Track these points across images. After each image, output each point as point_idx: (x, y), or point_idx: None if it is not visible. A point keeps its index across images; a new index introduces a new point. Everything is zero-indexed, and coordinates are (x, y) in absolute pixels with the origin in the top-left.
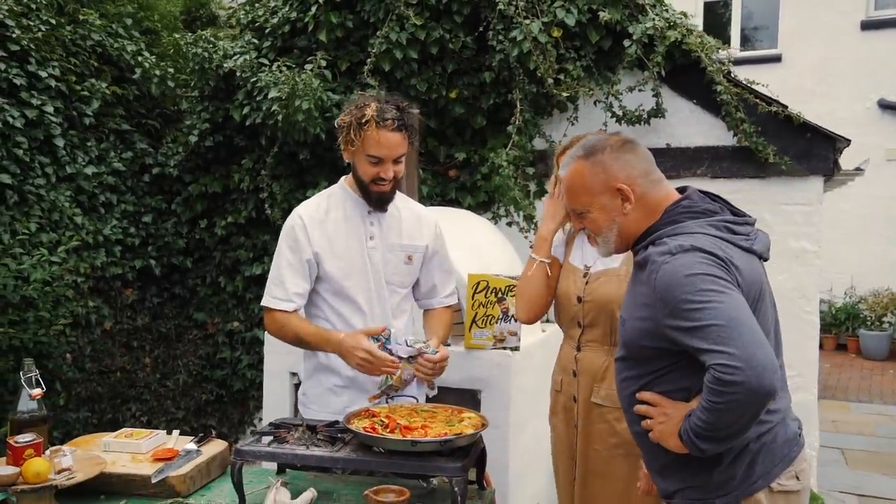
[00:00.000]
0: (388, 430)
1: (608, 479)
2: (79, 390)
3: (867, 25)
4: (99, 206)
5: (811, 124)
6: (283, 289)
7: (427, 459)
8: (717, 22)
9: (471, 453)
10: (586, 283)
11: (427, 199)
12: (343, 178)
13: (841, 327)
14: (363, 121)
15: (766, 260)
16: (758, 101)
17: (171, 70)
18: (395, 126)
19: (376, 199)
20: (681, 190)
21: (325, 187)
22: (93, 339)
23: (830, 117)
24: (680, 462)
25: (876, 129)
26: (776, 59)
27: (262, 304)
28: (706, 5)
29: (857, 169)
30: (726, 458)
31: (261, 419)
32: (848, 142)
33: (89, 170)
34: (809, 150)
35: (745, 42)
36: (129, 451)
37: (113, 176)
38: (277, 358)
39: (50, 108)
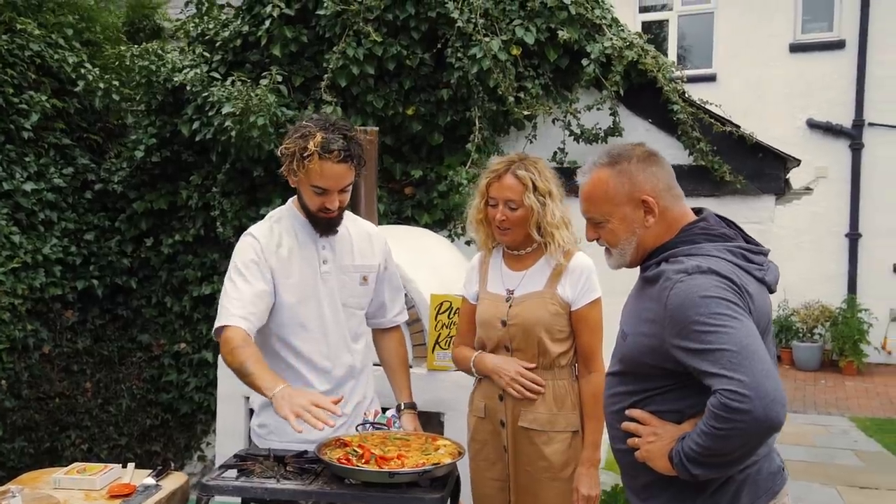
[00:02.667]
0: (363, 460)
1: (540, 500)
2: (14, 419)
3: (795, 48)
4: (38, 224)
5: (763, 144)
6: (240, 305)
7: (405, 491)
8: (654, 42)
9: (448, 482)
10: (510, 306)
11: (383, 217)
12: (291, 199)
13: (775, 339)
14: (305, 154)
15: (773, 293)
16: (713, 120)
17: (116, 83)
18: (340, 158)
19: (324, 225)
20: (696, 211)
21: (279, 204)
22: (30, 364)
23: (763, 136)
24: (661, 486)
25: (805, 148)
26: (711, 78)
27: (215, 325)
28: (644, 25)
29: (807, 188)
30: (710, 486)
31: (209, 444)
32: (798, 162)
33: (28, 186)
34: (761, 169)
35: (681, 61)
36: (82, 487)
37: (53, 192)
38: (231, 381)
39: None
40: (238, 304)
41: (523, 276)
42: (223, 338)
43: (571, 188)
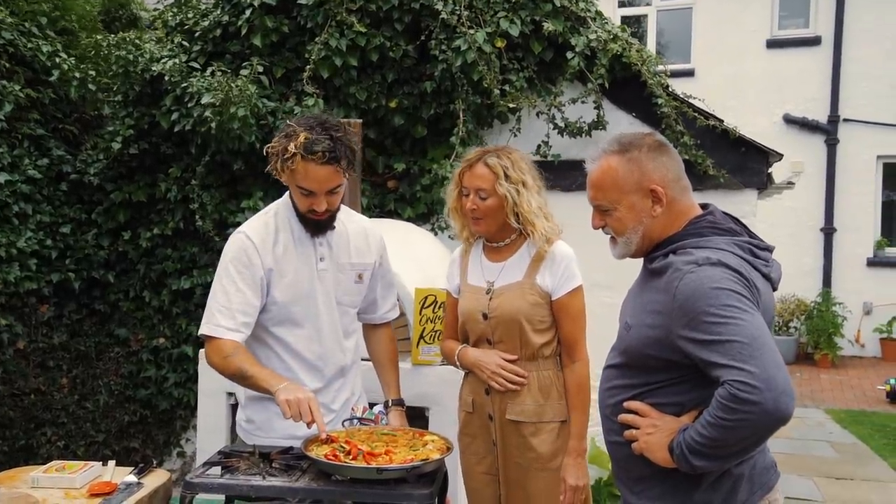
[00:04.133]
0: (350, 456)
1: (529, 492)
2: None
3: (772, 44)
4: (12, 216)
5: (746, 139)
6: (230, 317)
7: (393, 487)
8: (633, 37)
9: (436, 478)
10: (490, 299)
11: (366, 211)
12: (288, 192)
13: None
14: (286, 156)
15: (775, 290)
16: (696, 114)
17: (92, 73)
18: (324, 159)
19: (312, 226)
20: (703, 206)
21: (260, 198)
22: (4, 360)
23: (741, 131)
24: (657, 478)
25: (782, 142)
26: (689, 73)
27: (202, 332)
28: (622, 19)
29: (789, 183)
30: (706, 480)
31: (188, 440)
32: (780, 156)
33: (1, 178)
34: (744, 163)
35: (659, 55)
36: (61, 486)
37: (27, 184)
38: (213, 377)
39: None
40: (228, 315)
41: (503, 268)
42: (213, 345)
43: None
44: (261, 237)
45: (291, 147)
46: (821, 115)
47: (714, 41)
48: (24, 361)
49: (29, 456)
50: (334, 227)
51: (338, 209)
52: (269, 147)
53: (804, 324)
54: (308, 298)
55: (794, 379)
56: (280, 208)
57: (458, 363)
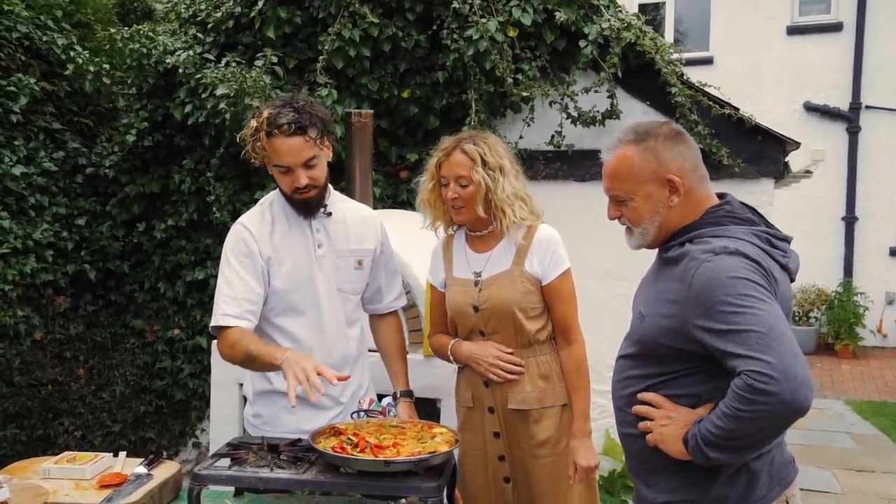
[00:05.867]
0: (358, 448)
1: (535, 478)
2: (6, 406)
3: (793, 31)
4: (28, 208)
5: (762, 127)
6: (235, 305)
7: (400, 480)
8: (651, 24)
9: (444, 471)
10: (479, 290)
11: (379, 201)
12: None
13: None
14: (254, 136)
15: (793, 281)
16: (711, 103)
17: (107, 66)
18: (290, 131)
19: (301, 206)
20: (720, 195)
21: (274, 188)
22: (22, 351)
23: (760, 119)
24: (671, 471)
25: (802, 131)
26: (708, 61)
27: (211, 325)
28: (640, 7)
29: (807, 171)
30: (724, 473)
31: (203, 430)
32: (797, 144)
33: (17, 170)
34: (760, 152)
35: (678, 44)
36: (72, 477)
37: (43, 177)
38: (224, 367)
39: None
40: (234, 304)
41: (489, 257)
42: (222, 337)
43: (568, 171)
44: (257, 226)
45: (254, 122)
46: (842, 102)
47: (733, 28)
48: (42, 352)
49: (47, 446)
50: (326, 207)
51: (325, 187)
52: (241, 134)
53: (825, 314)
54: (308, 286)
55: (815, 369)
56: (275, 198)
57: (451, 358)
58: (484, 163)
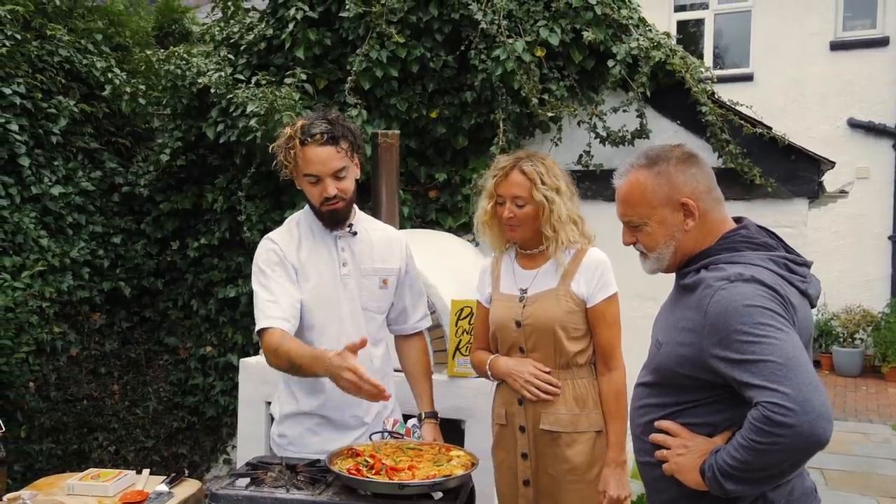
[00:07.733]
0: (373, 470)
1: None
2: (42, 420)
3: (836, 46)
4: (66, 227)
5: (796, 146)
6: (277, 307)
7: (415, 502)
8: (690, 40)
9: (460, 494)
10: (523, 306)
11: (407, 221)
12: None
13: (814, 344)
14: (288, 144)
15: (814, 307)
16: (742, 122)
17: (143, 87)
18: (323, 140)
19: (329, 217)
20: (736, 220)
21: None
22: (58, 367)
23: (801, 136)
24: (688, 501)
25: (846, 148)
26: (748, 77)
27: (257, 329)
28: (679, 24)
29: (842, 191)
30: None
31: (234, 447)
32: (832, 164)
33: (56, 190)
34: (794, 171)
35: (718, 60)
36: (95, 494)
37: (81, 196)
38: (252, 386)
39: (14, 126)
40: (275, 308)
41: (536, 275)
42: (265, 342)
43: (597, 191)
44: (285, 242)
45: (288, 130)
46: (888, 118)
47: (775, 44)
48: (77, 368)
49: (81, 460)
50: (352, 226)
51: (352, 201)
52: (273, 145)
53: (871, 335)
54: (332, 303)
55: (860, 393)
56: (302, 217)
57: (489, 373)
58: (542, 183)
